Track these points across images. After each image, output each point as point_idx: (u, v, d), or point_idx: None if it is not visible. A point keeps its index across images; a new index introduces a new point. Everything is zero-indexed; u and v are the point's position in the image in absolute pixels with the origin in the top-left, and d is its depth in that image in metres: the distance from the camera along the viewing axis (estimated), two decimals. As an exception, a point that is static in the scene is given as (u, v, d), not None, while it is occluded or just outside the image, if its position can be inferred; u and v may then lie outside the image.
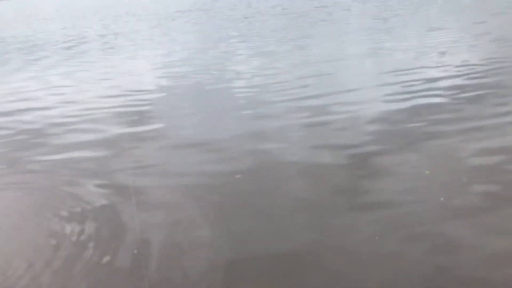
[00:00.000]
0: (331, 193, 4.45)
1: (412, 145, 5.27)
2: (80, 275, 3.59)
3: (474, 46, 9.10)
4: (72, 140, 6.80)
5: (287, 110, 6.82)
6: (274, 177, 4.96)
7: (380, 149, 5.27)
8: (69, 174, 5.51)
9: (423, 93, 6.77)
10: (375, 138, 5.55)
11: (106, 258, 3.73)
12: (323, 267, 3.31)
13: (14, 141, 6.95)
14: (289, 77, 8.56)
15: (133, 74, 10.84)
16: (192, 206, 4.47)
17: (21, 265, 3.82)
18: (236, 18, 18.27)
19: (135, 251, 3.78)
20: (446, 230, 3.61)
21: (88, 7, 37.26)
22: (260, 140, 5.97)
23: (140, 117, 7.46)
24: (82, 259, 3.80)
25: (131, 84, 9.89)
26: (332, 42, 11.28)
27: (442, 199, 4.17)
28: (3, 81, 11.68)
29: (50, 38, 19.70)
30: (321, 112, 6.60)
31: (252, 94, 7.88)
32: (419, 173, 4.64)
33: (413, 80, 7.48)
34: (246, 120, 6.66)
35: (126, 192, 4.96)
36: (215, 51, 11.88)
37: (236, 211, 4.27)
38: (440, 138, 5.39)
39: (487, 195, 4.16)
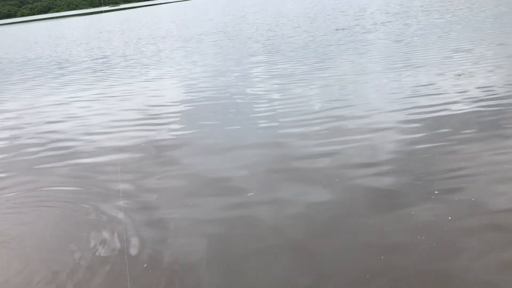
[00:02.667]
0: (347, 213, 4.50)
1: (424, 165, 5.25)
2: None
3: (495, 69, 9.04)
4: (105, 146, 7.50)
5: (305, 128, 6.88)
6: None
7: (397, 170, 5.27)
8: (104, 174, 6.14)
9: (441, 115, 6.75)
10: (393, 158, 5.54)
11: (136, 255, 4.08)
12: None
13: (57, 146, 7.33)
14: (307, 96, 8.64)
15: (155, 91, 11.18)
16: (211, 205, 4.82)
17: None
18: (256, 40, 18.56)
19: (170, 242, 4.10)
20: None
21: (114, 30, 38.28)
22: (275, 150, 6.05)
23: (164, 128, 7.87)
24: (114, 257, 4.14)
25: (153, 100, 10.27)
26: (350, 64, 11.36)
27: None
28: (30, 97, 12.10)
29: (77, 58, 20.32)
30: (338, 131, 6.63)
31: (269, 112, 8.00)
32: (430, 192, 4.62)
33: (431, 101, 7.47)
34: (262, 135, 6.74)
35: (152, 192, 5.33)
36: (234, 73, 12.10)
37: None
38: (457, 159, 5.36)
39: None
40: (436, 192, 4.57)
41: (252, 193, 5.11)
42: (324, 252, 3.89)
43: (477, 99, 7.34)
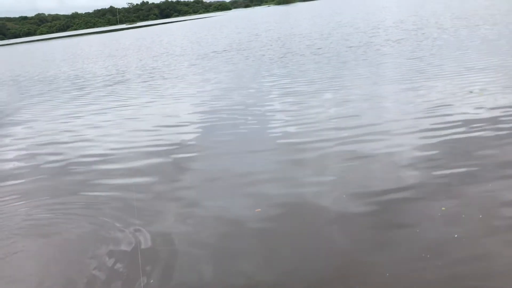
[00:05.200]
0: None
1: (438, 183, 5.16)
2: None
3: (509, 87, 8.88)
4: (119, 160, 7.60)
5: (318, 147, 6.82)
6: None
7: (412, 192, 5.19)
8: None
9: (455, 134, 6.63)
10: (409, 179, 5.46)
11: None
12: None
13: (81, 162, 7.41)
14: (321, 114, 8.59)
15: (170, 108, 11.24)
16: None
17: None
18: (269, 58, 18.63)
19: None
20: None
21: (130, 47, 38.82)
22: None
23: (178, 144, 7.98)
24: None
25: (168, 115, 10.37)
26: (364, 81, 11.29)
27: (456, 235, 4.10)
28: (47, 113, 12.25)
29: (92, 75, 20.63)
30: (349, 149, 6.56)
31: (283, 129, 7.95)
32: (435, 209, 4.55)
33: (445, 119, 7.37)
34: (276, 152, 6.68)
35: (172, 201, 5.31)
36: (248, 90, 12.11)
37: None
38: (465, 175, 5.28)
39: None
40: (443, 208, 4.54)
41: (259, 209, 5.13)
42: (325, 268, 3.91)
43: (491, 117, 7.22)
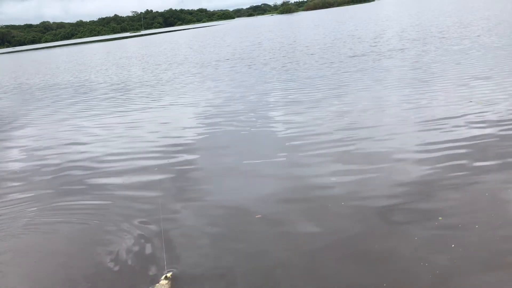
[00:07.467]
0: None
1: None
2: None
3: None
4: (119, 169, 7.62)
5: (320, 157, 6.80)
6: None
7: (402, 197, 5.20)
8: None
9: (458, 144, 6.61)
10: (407, 187, 5.46)
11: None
12: None
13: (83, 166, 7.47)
14: (322, 124, 8.58)
15: (171, 117, 11.25)
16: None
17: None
18: (272, 67, 18.65)
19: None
20: None
21: (133, 56, 39.01)
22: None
23: (179, 154, 8.07)
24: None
25: (169, 125, 10.41)
26: (366, 91, 11.28)
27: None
28: (49, 120, 12.30)
29: (95, 84, 20.72)
30: (349, 160, 6.55)
31: (284, 139, 7.94)
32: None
33: (446, 129, 7.36)
34: (277, 162, 6.67)
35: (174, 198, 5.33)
36: (250, 99, 12.14)
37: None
38: (464, 185, 5.29)
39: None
40: (440, 218, 4.54)
41: (260, 215, 5.14)
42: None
43: (492, 125, 7.20)
